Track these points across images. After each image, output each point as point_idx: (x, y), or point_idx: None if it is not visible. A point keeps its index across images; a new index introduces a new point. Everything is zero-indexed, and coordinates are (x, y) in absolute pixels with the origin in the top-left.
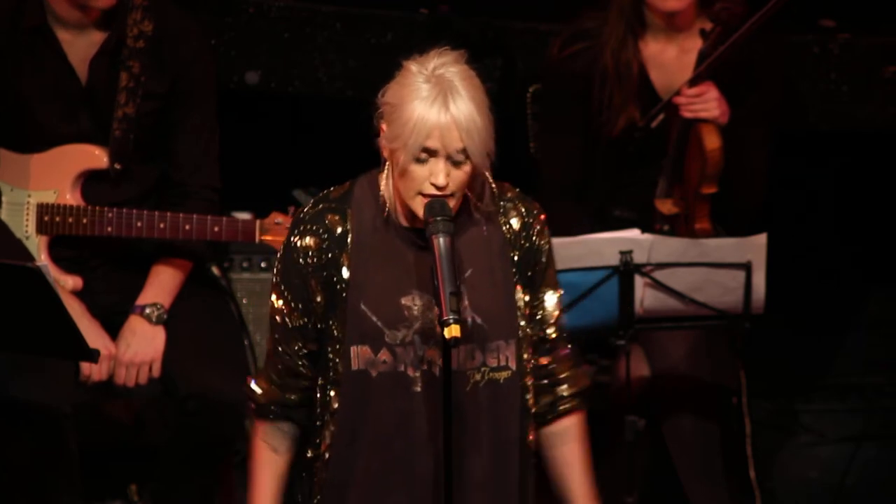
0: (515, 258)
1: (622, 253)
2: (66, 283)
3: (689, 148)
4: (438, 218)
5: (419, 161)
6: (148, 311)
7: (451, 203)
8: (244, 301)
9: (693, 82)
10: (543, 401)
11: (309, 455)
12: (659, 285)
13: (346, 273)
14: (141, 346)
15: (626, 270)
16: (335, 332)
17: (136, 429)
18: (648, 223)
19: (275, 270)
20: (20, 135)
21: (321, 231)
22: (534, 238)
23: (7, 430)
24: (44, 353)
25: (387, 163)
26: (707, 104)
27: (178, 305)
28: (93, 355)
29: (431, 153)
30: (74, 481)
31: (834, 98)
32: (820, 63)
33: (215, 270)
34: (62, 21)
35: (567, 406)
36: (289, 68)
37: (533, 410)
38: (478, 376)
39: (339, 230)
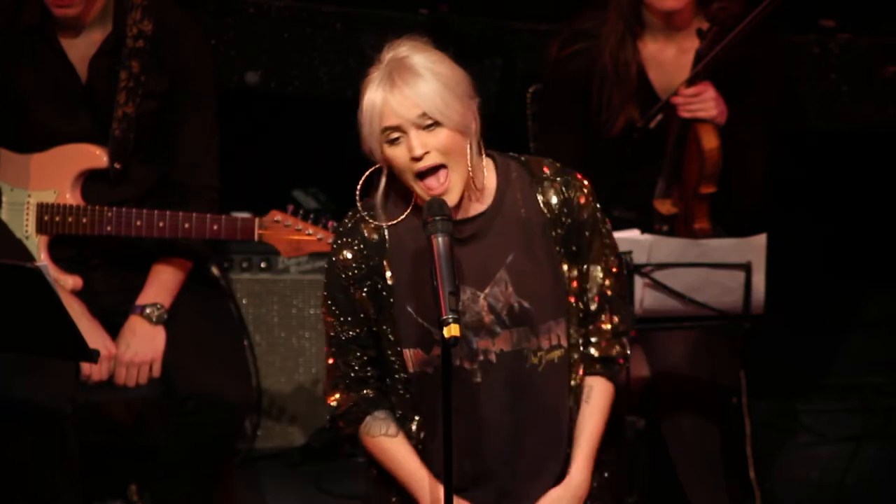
0: (558, 236)
1: (622, 253)
2: (66, 283)
3: (687, 148)
4: (437, 217)
5: (392, 143)
6: (148, 310)
7: (446, 180)
8: (244, 301)
9: (691, 82)
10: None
11: None
12: (658, 285)
13: (389, 279)
14: (141, 346)
15: (625, 271)
16: (390, 336)
17: (136, 429)
18: (648, 223)
19: (323, 286)
20: (20, 134)
21: (357, 242)
22: (576, 212)
23: (7, 430)
24: (44, 353)
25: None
26: (704, 104)
27: (178, 305)
28: (93, 355)
29: (396, 130)
30: (74, 481)
31: (834, 98)
32: (820, 63)
33: (215, 270)
34: (61, 20)
35: (591, 368)
36: (289, 68)
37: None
38: (535, 359)
39: (377, 237)
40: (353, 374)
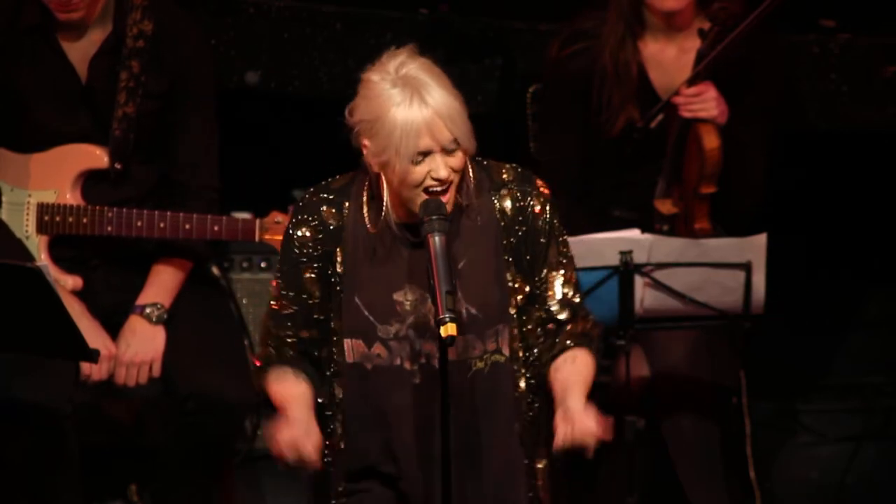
0: (510, 245)
1: (622, 253)
2: (66, 283)
3: (687, 148)
4: (434, 217)
5: (416, 163)
6: (148, 310)
7: (450, 193)
8: (244, 301)
9: (691, 82)
10: (547, 344)
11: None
12: (659, 285)
13: (339, 267)
14: (141, 345)
15: (626, 270)
16: (333, 325)
17: (136, 429)
18: (648, 223)
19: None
20: (20, 134)
21: (316, 223)
22: (530, 221)
23: (7, 430)
24: (44, 353)
25: (372, 169)
26: (705, 104)
27: (178, 305)
28: (93, 355)
29: (426, 152)
30: (74, 481)
31: (834, 98)
32: (820, 63)
33: (215, 270)
34: (61, 21)
35: (569, 343)
36: (289, 68)
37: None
38: (480, 363)
39: (333, 224)
40: (280, 347)
